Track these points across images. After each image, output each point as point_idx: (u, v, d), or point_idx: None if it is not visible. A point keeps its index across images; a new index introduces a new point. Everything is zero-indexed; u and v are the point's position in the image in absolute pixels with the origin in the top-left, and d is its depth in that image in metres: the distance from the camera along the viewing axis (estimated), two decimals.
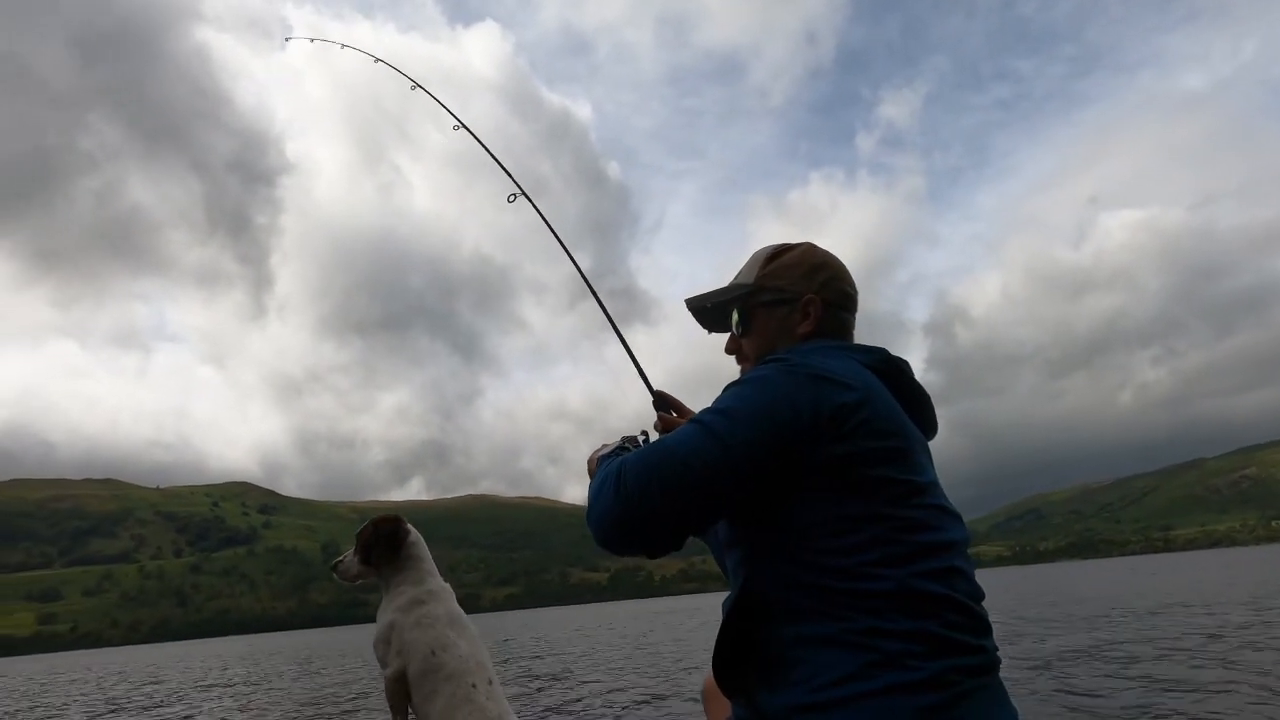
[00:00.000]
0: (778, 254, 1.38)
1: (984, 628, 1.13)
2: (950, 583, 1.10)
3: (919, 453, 1.18)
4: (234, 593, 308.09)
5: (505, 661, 12.56)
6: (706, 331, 1.48)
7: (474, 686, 2.57)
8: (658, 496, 1.08)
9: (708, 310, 1.45)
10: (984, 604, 1.16)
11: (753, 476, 1.09)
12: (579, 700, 7.08)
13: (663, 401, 1.68)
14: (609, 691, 7.51)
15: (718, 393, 1.19)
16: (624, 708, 6.38)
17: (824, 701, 1.02)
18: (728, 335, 1.43)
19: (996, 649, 1.14)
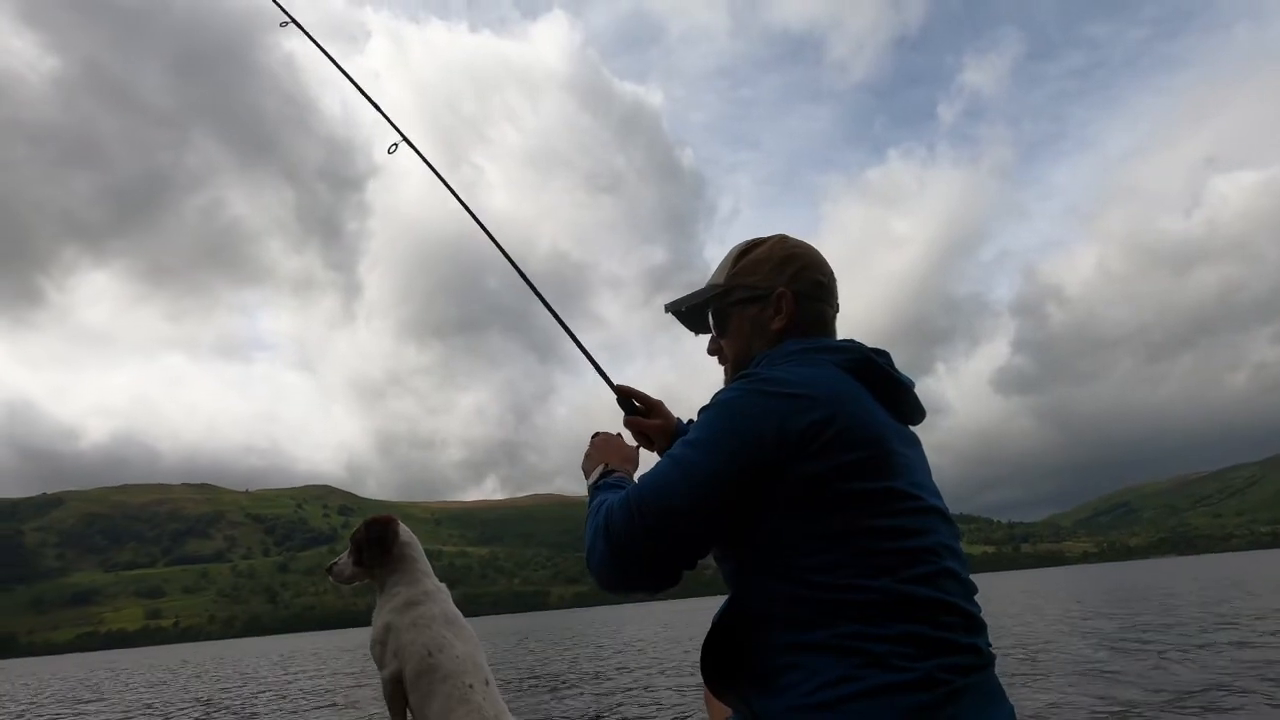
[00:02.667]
0: (747, 250, 1.37)
1: (976, 626, 1.13)
2: (939, 585, 1.10)
3: (901, 453, 1.16)
4: (318, 590, 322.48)
5: (526, 663, 12.97)
6: (693, 334, 1.48)
7: (470, 687, 2.55)
8: (644, 540, 1.12)
9: (686, 314, 1.44)
10: (977, 598, 1.15)
11: (729, 504, 1.11)
12: (579, 696, 7.18)
13: (625, 397, 1.66)
14: (617, 687, 7.59)
15: None
16: (626, 704, 6.47)
17: (818, 704, 1.04)
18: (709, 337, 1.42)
19: (990, 645, 1.14)
